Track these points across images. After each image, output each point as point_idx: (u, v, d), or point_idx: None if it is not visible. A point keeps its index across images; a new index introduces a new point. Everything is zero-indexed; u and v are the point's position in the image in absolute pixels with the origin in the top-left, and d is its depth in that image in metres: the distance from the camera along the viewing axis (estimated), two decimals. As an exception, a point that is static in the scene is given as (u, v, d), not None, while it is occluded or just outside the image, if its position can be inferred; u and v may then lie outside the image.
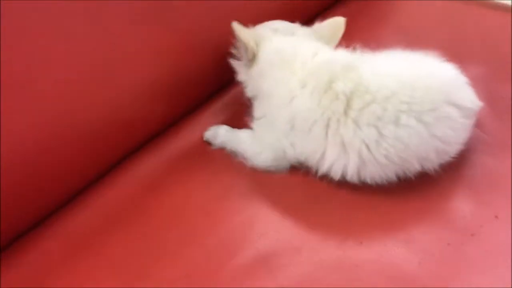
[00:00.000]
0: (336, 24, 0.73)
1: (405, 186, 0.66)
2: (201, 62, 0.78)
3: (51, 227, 0.65)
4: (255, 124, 0.71)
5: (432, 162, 0.64)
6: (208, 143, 0.75)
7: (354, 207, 0.66)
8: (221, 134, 0.73)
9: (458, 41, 0.87)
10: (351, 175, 0.64)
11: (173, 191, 0.70)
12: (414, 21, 0.96)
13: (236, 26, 0.69)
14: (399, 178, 0.65)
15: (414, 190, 0.66)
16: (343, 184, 0.66)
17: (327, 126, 0.64)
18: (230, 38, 0.73)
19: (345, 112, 0.63)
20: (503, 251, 0.59)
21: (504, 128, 0.73)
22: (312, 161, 0.66)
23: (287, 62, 0.68)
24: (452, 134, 0.64)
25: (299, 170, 0.69)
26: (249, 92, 0.73)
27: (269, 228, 0.64)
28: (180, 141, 0.77)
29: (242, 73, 0.73)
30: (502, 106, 0.75)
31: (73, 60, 0.63)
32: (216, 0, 0.77)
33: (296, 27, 0.75)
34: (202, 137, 0.75)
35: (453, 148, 0.65)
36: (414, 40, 0.87)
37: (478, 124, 0.70)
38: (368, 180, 0.64)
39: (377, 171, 0.63)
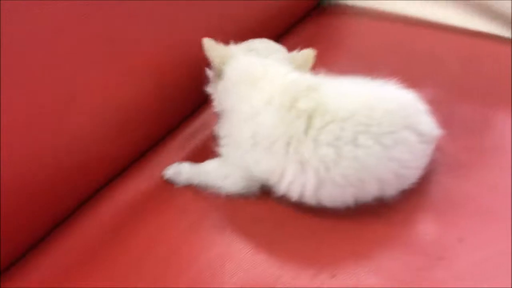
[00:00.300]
0: (307, 54, 0.74)
1: (370, 211, 0.66)
2: (157, 99, 0.77)
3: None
4: (220, 145, 0.71)
5: (392, 186, 0.65)
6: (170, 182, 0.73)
7: (323, 235, 0.65)
8: (184, 171, 0.72)
9: (411, 64, 0.90)
10: (309, 196, 0.65)
11: (138, 233, 0.68)
12: (368, 45, 0.98)
13: (206, 42, 0.72)
14: (358, 203, 0.65)
15: (379, 215, 0.66)
16: (312, 211, 0.66)
17: (288, 144, 0.64)
18: (187, 72, 0.73)
19: (306, 131, 0.63)
20: (471, 275, 0.60)
21: (462, 148, 0.75)
22: (272, 179, 0.66)
23: (253, 80, 0.69)
24: (410, 158, 0.65)
25: (269, 198, 0.69)
26: (215, 106, 0.74)
27: (240, 266, 0.63)
28: (141, 181, 0.75)
29: (211, 86, 0.74)
30: (458, 127, 0.77)
31: (20, 101, 0.61)
32: (169, 35, 0.77)
33: (274, 50, 0.76)
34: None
35: (412, 173, 0.66)
36: (369, 64, 0.90)
37: (437, 146, 0.72)
38: (326, 202, 0.65)
39: (335, 192, 0.64)
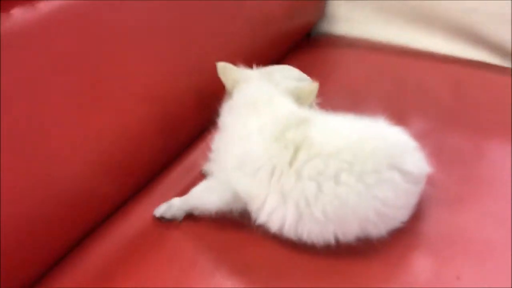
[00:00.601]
0: (312, 87, 0.75)
1: (365, 251, 0.65)
2: (145, 139, 0.76)
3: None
4: (210, 158, 0.72)
5: (377, 225, 0.64)
6: (160, 220, 0.72)
7: (321, 278, 0.64)
8: (175, 203, 0.72)
9: (401, 95, 0.90)
10: (289, 228, 0.64)
11: (129, 280, 0.66)
12: (357, 76, 0.98)
13: (220, 65, 0.76)
14: (340, 241, 0.64)
15: (375, 256, 0.65)
16: (308, 252, 0.65)
17: (272, 173, 0.64)
18: (175, 109, 0.73)
19: (291, 162, 0.63)
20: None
21: (454, 180, 0.74)
22: (254, 206, 0.66)
23: (255, 105, 0.70)
24: (394, 198, 0.63)
25: (260, 239, 0.67)
26: (218, 121, 0.74)
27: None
28: (131, 223, 0.73)
29: (223, 105, 0.76)
30: (449, 158, 0.76)
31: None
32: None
33: (290, 78, 0.79)
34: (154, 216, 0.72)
35: (398, 212, 0.65)
36: (358, 96, 0.89)
37: (428, 179, 0.71)
38: (306, 237, 0.64)
39: (314, 227, 0.63)
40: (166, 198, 0.75)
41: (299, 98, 0.73)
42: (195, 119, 0.84)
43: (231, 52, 0.88)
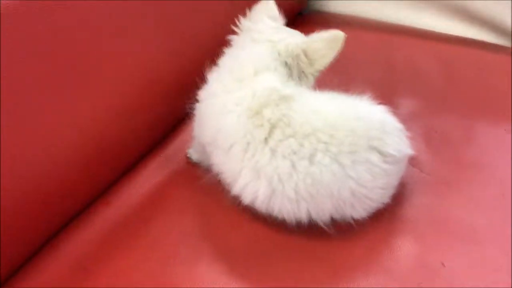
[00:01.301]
0: (334, 38, 0.69)
1: (348, 234, 0.64)
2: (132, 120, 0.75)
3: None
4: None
5: (353, 206, 0.63)
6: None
7: (303, 261, 0.63)
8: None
9: (391, 74, 0.88)
10: (261, 203, 0.64)
11: (109, 266, 0.65)
12: (347, 56, 0.95)
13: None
14: (313, 220, 0.63)
15: (358, 239, 0.64)
16: (290, 235, 0.64)
17: (246, 150, 0.64)
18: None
19: (266, 140, 0.63)
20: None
21: (441, 163, 0.72)
22: (227, 179, 0.66)
23: (240, 77, 0.67)
24: (369, 178, 0.62)
25: (243, 223, 0.67)
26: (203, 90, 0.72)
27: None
28: (114, 209, 0.72)
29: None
30: (437, 141, 0.75)
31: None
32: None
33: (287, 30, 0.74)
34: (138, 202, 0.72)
35: (376, 194, 0.64)
36: (348, 75, 0.87)
37: (415, 162, 0.69)
38: (278, 213, 0.64)
39: (286, 203, 0.63)
40: (150, 183, 0.74)
41: (310, 58, 0.69)
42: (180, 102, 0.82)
43: (214, 30, 0.84)
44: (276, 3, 1.06)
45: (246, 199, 0.65)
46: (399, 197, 0.67)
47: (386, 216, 0.65)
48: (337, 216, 0.63)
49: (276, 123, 0.63)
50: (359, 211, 0.64)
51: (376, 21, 1.08)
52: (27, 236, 0.66)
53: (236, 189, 0.65)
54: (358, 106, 0.66)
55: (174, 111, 0.82)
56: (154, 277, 0.63)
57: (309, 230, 0.64)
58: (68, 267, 0.66)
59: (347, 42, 0.91)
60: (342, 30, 1.08)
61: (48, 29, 0.64)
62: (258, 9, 0.74)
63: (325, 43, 0.70)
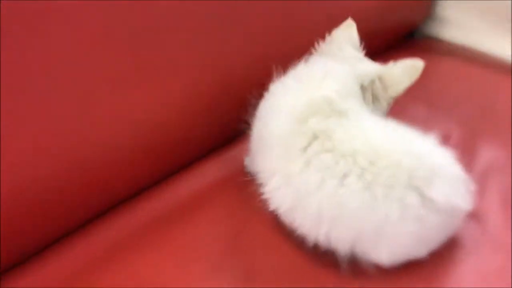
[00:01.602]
0: (412, 66, 0.67)
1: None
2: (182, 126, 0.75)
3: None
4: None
5: (376, 246, 0.57)
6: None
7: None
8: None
9: (482, 117, 0.78)
10: (284, 211, 0.62)
11: (126, 266, 0.64)
12: (441, 89, 0.88)
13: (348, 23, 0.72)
14: (331, 246, 0.59)
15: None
16: (320, 264, 0.60)
17: (284, 154, 0.61)
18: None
19: (304, 149, 0.60)
20: None
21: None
22: (261, 179, 0.65)
23: (301, 79, 0.66)
24: (400, 219, 0.56)
25: (271, 239, 0.64)
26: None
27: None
28: (143, 210, 0.71)
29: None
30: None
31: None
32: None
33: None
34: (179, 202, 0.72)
35: (402, 238, 0.57)
36: (434, 110, 0.80)
37: (479, 221, 0.61)
38: (298, 226, 0.61)
39: (307, 219, 0.60)
40: (197, 185, 0.74)
41: (384, 83, 0.66)
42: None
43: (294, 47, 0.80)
44: (378, 23, 1.00)
45: (273, 204, 0.63)
46: (443, 255, 0.59)
47: (417, 271, 0.57)
48: (358, 252, 0.58)
49: (318, 134, 0.60)
50: (383, 255, 0.58)
51: (490, 55, 0.97)
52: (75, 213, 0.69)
53: (266, 191, 0.63)
54: (415, 143, 0.60)
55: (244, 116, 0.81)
56: (162, 282, 0.62)
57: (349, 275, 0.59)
58: (103, 249, 0.67)
59: (443, 73, 0.83)
60: (445, 59, 1.01)
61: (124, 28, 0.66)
62: (340, 35, 0.71)
63: (402, 70, 0.67)
